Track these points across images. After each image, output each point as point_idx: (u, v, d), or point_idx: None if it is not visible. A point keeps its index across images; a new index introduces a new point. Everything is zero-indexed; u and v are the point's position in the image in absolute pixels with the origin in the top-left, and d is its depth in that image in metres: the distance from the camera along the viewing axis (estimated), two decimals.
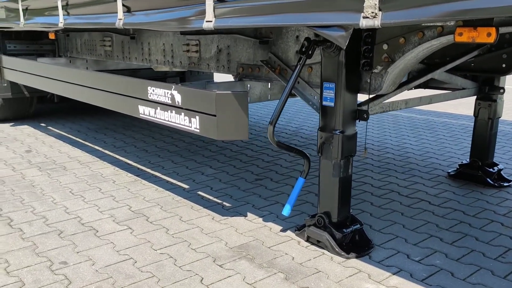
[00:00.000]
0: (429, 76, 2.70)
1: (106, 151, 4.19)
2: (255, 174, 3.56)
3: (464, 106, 6.67)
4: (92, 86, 3.20)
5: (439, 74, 2.94)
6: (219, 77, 6.56)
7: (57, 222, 2.62)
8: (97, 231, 2.51)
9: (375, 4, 1.40)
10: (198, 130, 2.33)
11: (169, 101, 2.49)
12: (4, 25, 4.29)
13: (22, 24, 3.84)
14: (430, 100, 2.95)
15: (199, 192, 3.16)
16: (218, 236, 2.47)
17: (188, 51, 3.30)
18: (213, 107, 2.20)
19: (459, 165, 3.58)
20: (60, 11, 3.23)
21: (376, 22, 1.38)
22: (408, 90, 2.97)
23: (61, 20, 3.26)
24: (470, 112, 6.34)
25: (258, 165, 3.81)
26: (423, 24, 1.93)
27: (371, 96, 2.30)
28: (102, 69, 5.39)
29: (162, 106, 2.55)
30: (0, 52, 4.87)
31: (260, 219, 2.71)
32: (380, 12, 1.39)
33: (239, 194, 3.13)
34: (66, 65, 5.07)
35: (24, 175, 3.48)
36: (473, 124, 3.42)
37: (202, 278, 2.04)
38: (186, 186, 3.28)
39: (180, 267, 2.14)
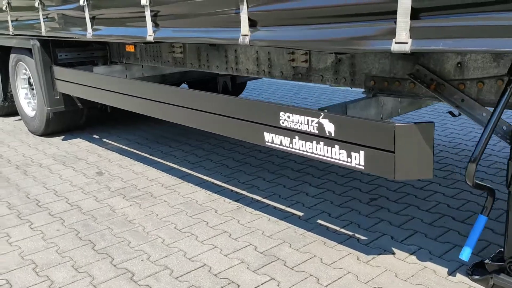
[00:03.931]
0: None
1: (184, 169, 3.83)
2: (365, 192, 3.19)
3: None
4: (197, 108, 2.79)
5: None
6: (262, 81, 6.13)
7: (185, 274, 2.28)
8: (239, 286, 2.18)
9: None
10: (362, 167, 1.97)
11: (315, 131, 2.12)
12: (63, 35, 3.86)
13: (90, 35, 3.42)
14: None
15: (319, 221, 2.82)
16: (377, 284, 2.14)
17: (293, 60, 2.90)
18: (390, 142, 1.83)
19: None
20: (149, 22, 2.82)
21: None
22: None
23: (150, 33, 2.84)
24: None
25: (361, 188, 3.42)
26: None
27: None
28: (157, 74, 5.01)
29: (303, 135, 2.19)
30: (51, 62, 4.47)
31: (413, 257, 2.37)
32: None
33: (365, 221, 2.76)
34: (123, 73, 4.68)
35: (112, 206, 3.14)
36: None
37: None
38: (299, 213, 2.93)
39: None
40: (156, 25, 2.86)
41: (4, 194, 3.45)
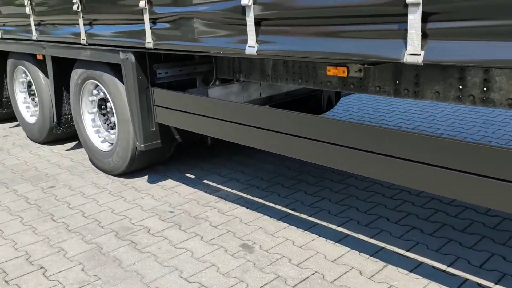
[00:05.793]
0: None
1: (367, 239, 2.63)
2: None
3: None
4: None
5: None
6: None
7: None
8: None
9: None
10: None
11: None
12: (192, 49, 2.59)
13: (253, 49, 2.17)
14: None
15: None
16: None
17: None
18: None
19: None
20: (415, 32, 1.66)
21: None
22: None
23: (414, 50, 1.65)
24: None
25: None
26: None
27: None
28: (276, 93, 3.86)
29: None
30: (148, 83, 3.29)
31: None
32: None
33: None
34: (240, 93, 3.53)
35: None
36: None
37: None
38: None
39: None
40: (425, 35, 1.72)
41: None
